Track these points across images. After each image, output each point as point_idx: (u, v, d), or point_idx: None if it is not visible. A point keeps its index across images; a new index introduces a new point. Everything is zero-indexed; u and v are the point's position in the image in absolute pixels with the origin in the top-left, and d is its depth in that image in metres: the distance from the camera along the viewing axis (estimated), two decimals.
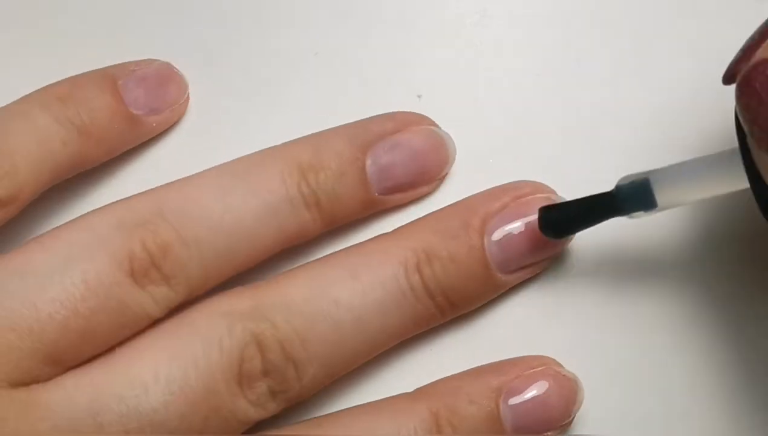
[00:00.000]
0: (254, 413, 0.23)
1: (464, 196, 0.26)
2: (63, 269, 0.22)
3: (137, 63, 0.27)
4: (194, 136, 0.27)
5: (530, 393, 0.24)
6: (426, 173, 0.26)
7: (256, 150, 0.25)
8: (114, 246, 0.23)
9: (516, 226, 0.25)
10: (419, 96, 0.27)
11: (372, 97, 0.27)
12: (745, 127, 0.20)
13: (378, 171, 0.25)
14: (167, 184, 0.25)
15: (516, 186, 0.25)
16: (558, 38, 0.28)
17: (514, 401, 0.24)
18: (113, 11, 0.28)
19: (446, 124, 0.27)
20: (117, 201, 0.24)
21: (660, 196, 0.23)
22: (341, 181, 0.25)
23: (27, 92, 0.25)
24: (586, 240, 0.26)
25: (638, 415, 0.25)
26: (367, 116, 0.26)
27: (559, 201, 0.25)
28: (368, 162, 0.25)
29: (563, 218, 0.24)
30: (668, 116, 0.27)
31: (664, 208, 0.23)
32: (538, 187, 0.25)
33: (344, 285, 0.24)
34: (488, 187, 0.26)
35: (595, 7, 0.28)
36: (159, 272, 0.23)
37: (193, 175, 0.25)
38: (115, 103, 0.26)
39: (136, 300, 0.23)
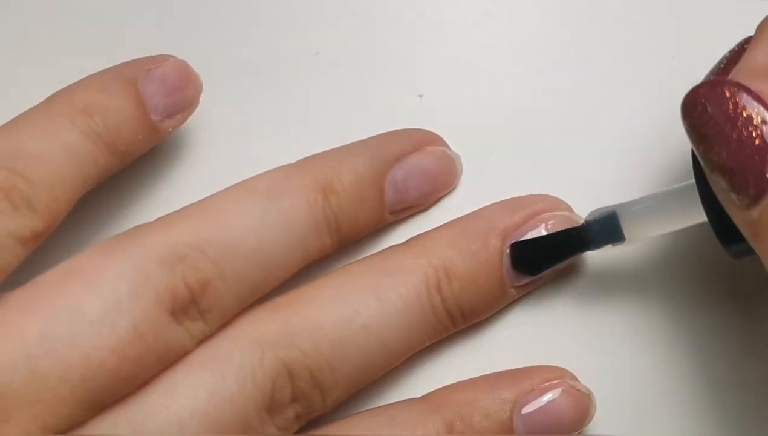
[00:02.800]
0: None
1: (464, 196, 0.26)
2: (113, 314, 0.22)
3: (152, 60, 0.26)
4: (194, 137, 0.27)
5: (545, 408, 0.24)
6: (435, 193, 0.27)
7: (256, 150, 0.25)
8: (159, 285, 0.22)
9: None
10: (420, 96, 0.27)
11: (373, 97, 0.27)
12: (694, 148, 0.21)
13: (394, 193, 0.26)
14: (199, 208, 0.24)
15: (533, 200, 0.26)
16: (559, 38, 0.28)
17: (528, 412, 0.24)
18: (112, 12, 0.28)
19: (447, 124, 0.27)
20: (156, 230, 0.23)
21: (628, 230, 0.24)
22: (362, 206, 0.25)
23: (32, 88, 0.25)
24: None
25: (643, 420, 0.25)
26: (372, 119, 0.27)
27: (576, 219, 0.25)
28: (387, 185, 0.25)
29: (535, 256, 0.24)
30: (669, 116, 0.27)
31: (632, 242, 0.24)
32: (557, 204, 0.26)
33: (371, 309, 0.24)
34: (491, 187, 0.26)
35: (596, 7, 0.28)
36: (196, 307, 0.23)
37: (220, 195, 0.24)
38: (139, 112, 0.25)
39: (176, 338, 0.23)
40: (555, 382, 0.24)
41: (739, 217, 0.20)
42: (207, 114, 0.27)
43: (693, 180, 0.22)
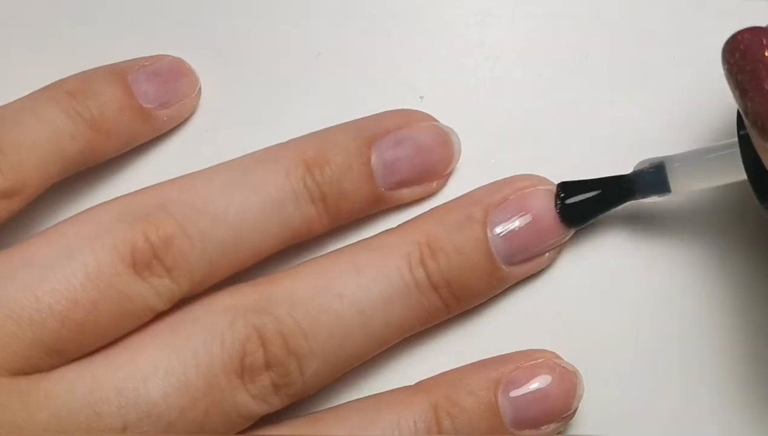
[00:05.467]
0: (257, 407, 0.23)
1: None
2: (64, 260, 0.23)
3: (147, 59, 0.27)
4: (196, 137, 0.27)
5: (530, 384, 0.24)
6: (432, 168, 0.26)
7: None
8: (116, 238, 0.23)
9: (518, 218, 0.25)
10: (421, 97, 0.27)
11: (374, 99, 0.27)
12: (732, 92, 0.21)
13: (383, 165, 0.25)
14: (171, 179, 0.25)
15: (517, 178, 0.26)
16: (560, 39, 0.28)
17: (514, 393, 0.24)
18: (112, 12, 0.28)
19: (448, 125, 0.27)
20: (121, 196, 0.24)
21: (674, 182, 0.24)
22: (346, 175, 0.25)
23: (32, 88, 0.25)
24: (590, 236, 0.26)
25: (639, 413, 0.25)
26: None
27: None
28: (373, 156, 0.25)
29: (582, 201, 0.24)
30: (670, 116, 0.27)
31: (677, 194, 0.24)
32: (539, 180, 0.25)
33: (347, 279, 0.24)
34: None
35: (597, 8, 0.28)
36: (161, 263, 0.23)
37: (196, 171, 0.25)
38: (125, 95, 0.26)
39: (138, 292, 0.23)
40: (539, 360, 0.24)
41: None
42: (208, 114, 0.27)
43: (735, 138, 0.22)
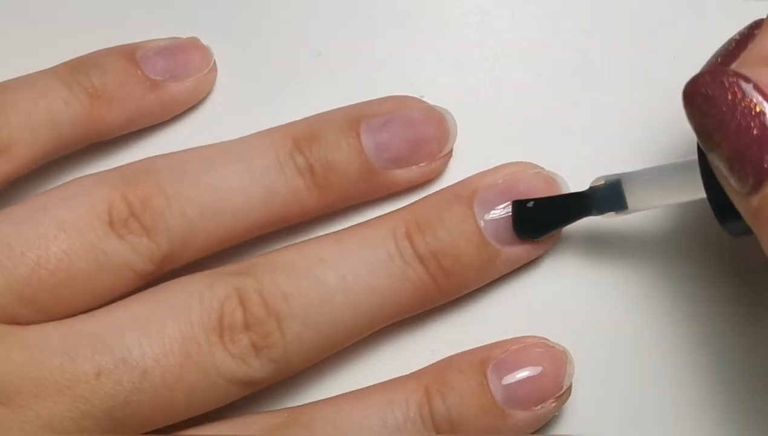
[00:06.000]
0: (237, 369, 0.23)
1: None
2: (39, 213, 0.23)
3: (159, 39, 0.27)
4: (196, 137, 0.27)
5: (519, 364, 0.24)
6: (425, 145, 0.26)
7: None
8: (93, 197, 0.23)
9: (507, 203, 0.25)
10: (422, 96, 0.27)
11: (374, 98, 0.27)
12: (696, 135, 0.21)
13: (375, 141, 0.25)
14: (161, 154, 0.25)
15: (506, 165, 0.26)
16: (560, 39, 0.28)
17: (504, 372, 0.23)
18: (112, 13, 0.28)
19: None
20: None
21: (631, 199, 0.24)
22: (335, 148, 0.25)
23: None
24: (583, 230, 0.26)
25: (638, 411, 0.25)
26: None
27: (549, 176, 0.25)
28: (363, 132, 0.25)
29: (537, 218, 0.24)
30: (670, 116, 0.27)
31: (634, 211, 0.24)
32: (529, 166, 0.25)
33: (329, 246, 0.24)
34: None
35: (597, 8, 0.28)
36: (138, 221, 0.23)
37: (187, 148, 0.25)
38: (129, 66, 0.26)
39: (114, 249, 0.23)
40: (529, 342, 0.24)
41: (739, 203, 0.20)
42: (209, 114, 0.28)
43: (690, 157, 0.22)
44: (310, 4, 0.28)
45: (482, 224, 0.24)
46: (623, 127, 0.27)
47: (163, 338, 0.22)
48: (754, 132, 0.20)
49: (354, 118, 0.25)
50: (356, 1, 0.28)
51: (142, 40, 0.27)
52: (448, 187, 0.25)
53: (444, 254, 0.24)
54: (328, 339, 0.24)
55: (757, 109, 0.20)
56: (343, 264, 0.23)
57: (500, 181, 0.25)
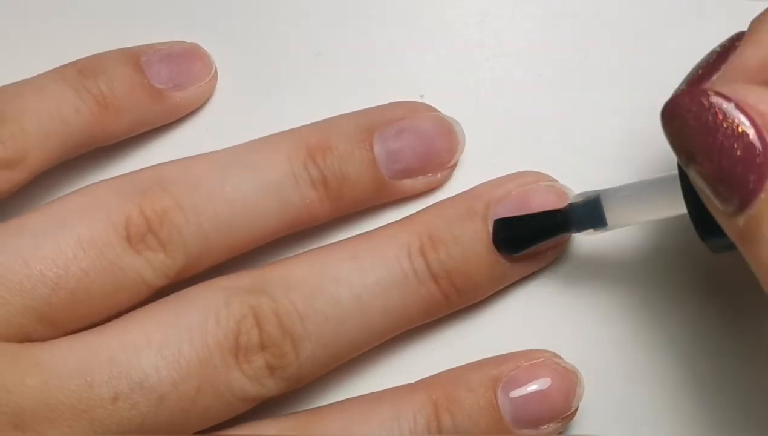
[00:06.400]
0: (251, 389, 0.23)
1: None
2: (57, 229, 0.23)
3: (161, 43, 0.27)
4: (197, 137, 0.27)
5: (529, 384, 0.24)
6: (435, 157, 0.26)
7: None
8: (111, 210, 0.23)
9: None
10: (422, 96, 0.27)
11: (375, 98, 0.27)
12: (676, 156, 0.20)
13: (386, 153, 0.25)
14: (171, 160, 0.25)
15: (519, 174, 0.26)
16: (560, 39, 0.28)
17: (513, 391, 0.23)
18: (112, 13, 0.28)
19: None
20: (120, 175, 0.24)
21: (610, 215, 0.23)
22: (348, 160, 0.25)
23: None
24: (590, 238, 0.26)
25: (641, 415, 0.25)
26: None
27: (561, 190, 0.25)
28: (376, 143, 0.25)
29: (517, 235, 0.24)
30: None
31: (614, 228, 0.24)
32: (542, 176, 0.25)
33: (344, 264, 0.24)
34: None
35: (597, 8, 0.28)
36: (155, 237, 0.23)
37: (197, 154, 0.25)
38: (136, 73, 0.26)
39: (132, 265, 0.23)
40: (539, 360, 0.24)
41: (724, 222, 0.20)
42: (209, 114, 0.27)
43: (670, 173, 0.22)
44: (310, 4, 0.28)
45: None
46: (623, 127, 0.27)
47: (179, 361, 0.22)
48: (738, 153, 0.19)
49: (367, 128, 0.25)
50: (356, 1, 0.28)
51: (143, 40, 0.27)
52: (459, 196, 0.25)
53: (457, 272, 0.24)
54: (341, 355, 0.24)
55: (740, 130, 0.19)
56: (358, 284, 0.23)
57: (513, 192, 0.25)
